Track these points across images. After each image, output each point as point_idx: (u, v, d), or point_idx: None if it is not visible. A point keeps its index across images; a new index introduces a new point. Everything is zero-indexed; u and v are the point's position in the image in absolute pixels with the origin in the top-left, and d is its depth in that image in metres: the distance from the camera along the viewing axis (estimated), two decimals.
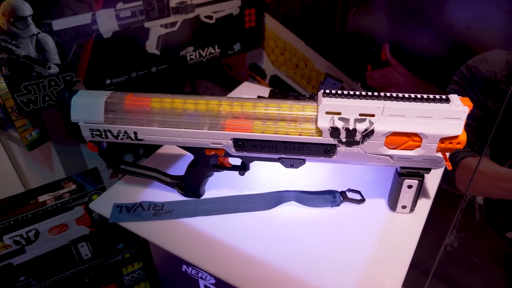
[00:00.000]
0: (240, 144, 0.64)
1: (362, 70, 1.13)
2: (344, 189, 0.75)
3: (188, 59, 1.12)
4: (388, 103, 0.58)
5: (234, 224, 0.70)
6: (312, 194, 0.74)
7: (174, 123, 0.63)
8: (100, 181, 1.08)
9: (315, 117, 0.62)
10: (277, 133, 0.62)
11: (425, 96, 0.59)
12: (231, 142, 0.64)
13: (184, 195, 0.75)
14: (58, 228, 1.06)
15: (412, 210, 0.69)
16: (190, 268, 0.76)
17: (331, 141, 0.61)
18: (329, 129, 0.60)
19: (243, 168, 0.70)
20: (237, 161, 0.71)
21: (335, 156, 0.63)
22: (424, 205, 0.71)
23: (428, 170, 0.64)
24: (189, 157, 0.87)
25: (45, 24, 0.88)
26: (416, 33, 1.00)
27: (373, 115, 0.59)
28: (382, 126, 0.59)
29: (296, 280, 0.61)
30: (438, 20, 0.95)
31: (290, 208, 0.73)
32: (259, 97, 0.74)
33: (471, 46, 0.94)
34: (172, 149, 0.88)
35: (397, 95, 0.60)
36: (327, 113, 0.60)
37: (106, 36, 0.96)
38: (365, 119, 0.59)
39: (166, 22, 1.03)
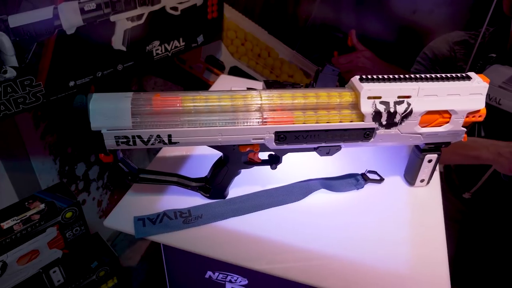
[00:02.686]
0: (282, 137, 0.62)
1: (328, 57, 1.16)
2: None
3: (154, 54, 1.04)
4: (422, 84, 0.61)
5: (267, 218, 0.68)
6: (335, 179, 0.75)
7: (212, 122, 0.59)
8: (72, 196, 0.96)
9: (353, 103, 0.62)
10: (318, 122, 0.61)
11: (449, 75, 0.64)
12: (273, 135, 0.62)
13: (209, 197, 0.71)
14: (28, 256, 0.93)
15: (428, 182, 0.74)
16: (216, 273, 0.72)
17: (372, 125, 0.62)
18: (372, 114, 0.61)
19: (275, 162, 0.68)
20: (264, 155, 0.69)
21: (372, 139, 0.64)
22: (435, 177, 0.76)
23: (448, 143, 0.68)
24: (197, 157, 0.83)
25: None
26: (381, 18, 1.05)
27: (409, 97, 0.62)
28: (418, 106, 0.62)
29: (348, 263, 0.61)
30: (403, 6, 1.01)
31: (316, 196, 0.73)
32: (248, 89, 0.72)
33: (433, 29, 1.02)
34: (173, 151, 0.82)
35: (425, 76, 0.63)
36: (369, 98, 0.60)
37: (70, 33, 0.85)
38: (403, 101, 0.61)
39: (133, 15, 0.95)
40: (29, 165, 1.08)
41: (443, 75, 0.64)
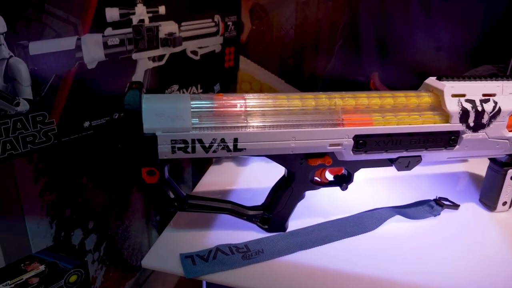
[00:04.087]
0: (361, 142, 0.55)
1: None
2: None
3: None
4: (503, 82, 0.56)
5: (339, 250, 0.60)
6: (407, 207, 0.70)
7: (282, 124, 0.52)
8: (78, 255, 0.81)
9: (433, 104, 0.58)
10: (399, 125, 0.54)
11: None
12: (352, 141, 0.55)
13: (268, 229, 0.61)
14: None
15: (510, 206, 0.65)
16: None
17: (459, 127, 0.56)
18: (459, 113, 0.55)
19: (346, 181, 0.59)
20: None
21: (457, 146, 0.57)
22: None
23: None
24: (242, 187, 0.74)
25: (20, 46, 0.68)
26: (405, 60, 1.04)
27: (494, 95, 0.56)
28: (506, 104, 0.57)
29: None
30: (427, 45, 1.01)
31: (389, 225, 0.66)
32: None
33: (459, 65, 1.01)
34: (211, 183, 0.72)
35: (500, 75, 0.58)
36: (453, 95, 0.55)
37: (90, 67, 0.79)
38: (489, 99, 0.56)
39: (154, 55, 0.91)
40: (23, 226, 0.93)
41: None
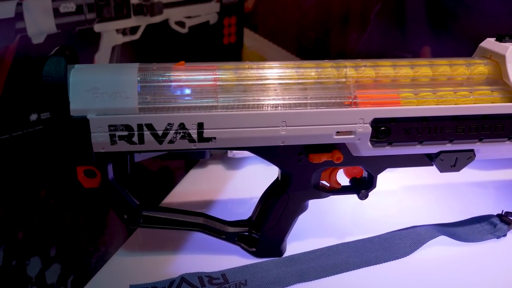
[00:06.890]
0: (383, 129, 0.52)
1: None
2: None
3: None
4: None
5: (359, 283, 0.58)
6: (458, 225, 0.67)
7: (267, 102, 0.50)
8: None
9: (490, 77, 0.55)
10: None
11: None
12: (369, 127, 0.52)
13: (256, 253, 0.59)
14: None
15: None
16: None
17: None
18: None
19: (366, 186, 0.58)
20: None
21: None
22: None
23: None
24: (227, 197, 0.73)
25: None
26: (470, 24, 1.03)
27: None
28: None
29: None
30: (505, 6, 0.99)
31: (431, 249, 0.63)
32: None
33: None
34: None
35: None
36: None
37: (36, 42, 0.79)
38: None
39: (125, 26, 0.91)
40: None
41: None
